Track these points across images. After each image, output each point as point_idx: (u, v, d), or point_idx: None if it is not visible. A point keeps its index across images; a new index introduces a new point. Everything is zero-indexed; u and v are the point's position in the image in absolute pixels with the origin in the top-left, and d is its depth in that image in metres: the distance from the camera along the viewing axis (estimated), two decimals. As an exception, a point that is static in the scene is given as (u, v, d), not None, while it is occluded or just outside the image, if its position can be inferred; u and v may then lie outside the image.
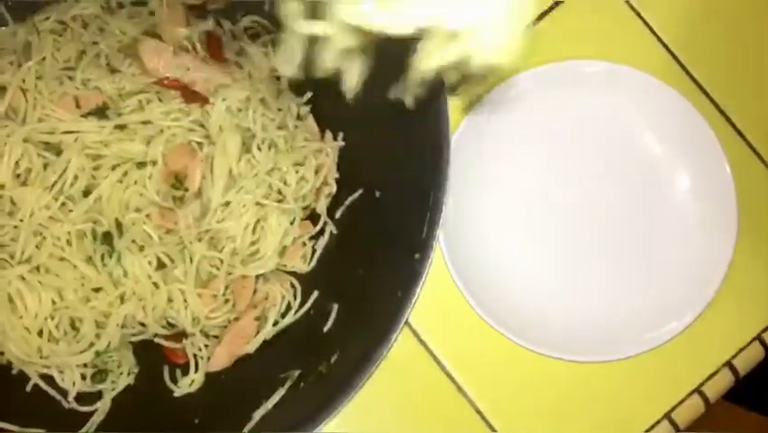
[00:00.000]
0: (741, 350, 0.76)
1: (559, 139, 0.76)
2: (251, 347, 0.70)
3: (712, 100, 0.78)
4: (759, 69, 0.80)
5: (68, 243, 0.66)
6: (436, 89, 0.64)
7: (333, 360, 0.66)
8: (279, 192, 0.69)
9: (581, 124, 0.76)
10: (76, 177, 0.66)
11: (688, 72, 0.79)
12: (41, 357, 0.66)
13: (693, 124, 0.74)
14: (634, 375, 0.74)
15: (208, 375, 0.70)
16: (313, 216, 0.73)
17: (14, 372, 0.68)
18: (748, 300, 0.77)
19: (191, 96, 0.68)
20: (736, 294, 0.75)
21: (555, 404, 0.74)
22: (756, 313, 0.77)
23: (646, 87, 0.74)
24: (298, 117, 0.73)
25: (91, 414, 0.68)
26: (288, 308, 0.72)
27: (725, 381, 0.76)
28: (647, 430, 0.74)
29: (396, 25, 0.48)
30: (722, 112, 0.78)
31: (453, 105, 0.68)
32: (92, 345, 0.67)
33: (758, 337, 0.77)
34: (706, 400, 0.75)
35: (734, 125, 0.78)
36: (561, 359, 0.71)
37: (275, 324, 0.71)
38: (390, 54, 0.67)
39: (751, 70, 0.79)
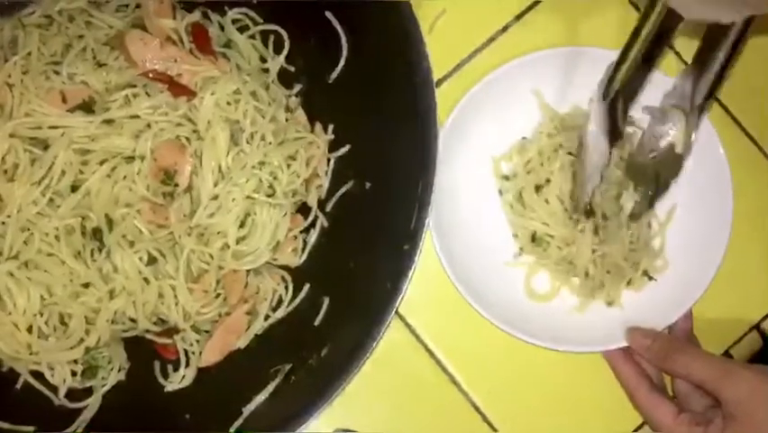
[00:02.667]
0: (739, 339, 0.76)
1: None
2: (242, 342, 0.70)
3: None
4: (756, 50, 0.79)
5: (57, 238, 0.65)
6: (425, 79, 0.64)
7: (323, 353, 0.66)
8: (270, 186, 0.69)
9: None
10: (63, 172, 0.65)
11: (681, 57, 0.78)
12: (30, 354, 0.66)
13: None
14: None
15: (199, 371, 0.70)
16: (303, 209, 0.73)
17: (4, 369, 0.68)
18: (746, 289, 0.76)
19: (178, 89, 0.68)
20: (733, 283, 0.74)
21: (550, 395, 0.74)
22: (754, 302, 0.76)
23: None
24: (288, 109, 0.73)
25: (82, 411, 0.68)
26: (280, 301, 0.71)
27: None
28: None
29: None
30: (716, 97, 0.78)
31: (443, 95, 0.69)
32: (82, 341, 0.66)
33: (756, 327, 0.76)
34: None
35: (726, 109, 0.77)
36: (555, 350, 0.71)
37: (266, 318, 0.71)
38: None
39: (747, 51, 0.78)
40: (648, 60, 0.64)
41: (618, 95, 0.64)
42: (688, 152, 0.68)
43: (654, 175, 0.69)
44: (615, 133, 0.67)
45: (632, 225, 0.72)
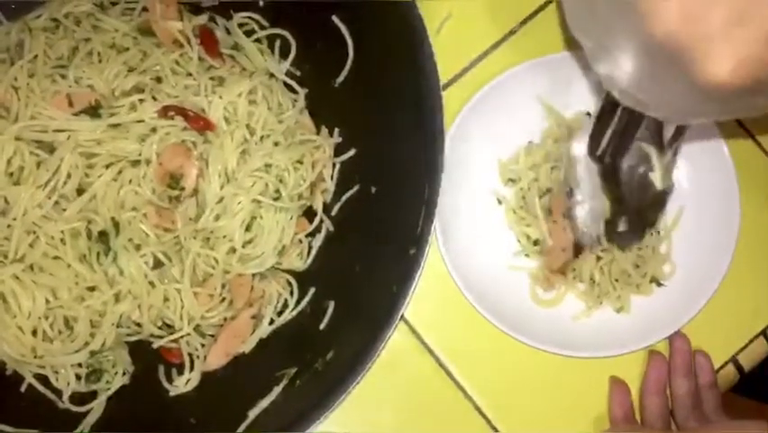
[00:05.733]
0: (746, 346, 0.75)
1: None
2: (247, 346, 0.70)
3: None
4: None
5: (62, 241, 0.65)
6: (432, 83, 0.64)
7: (328, 357, 0.66)
8: (277, 190, 0.69)
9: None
10: (69, 175, 0.65)
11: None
12: (35, 357, 0.66)
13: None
14: (635, 371, 0.73)
15: (204, 374, 0.69)
16: (309, 213, 0.73)
17: (8, 372, 0.68)
18: (753, 295, 0.75)
19: (198, 121, 0.68)
20: (740, 288, 0.74)
21: (555, 399, 0.73)
22: (761, 308, 0.76)
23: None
24: (294, 113, 0.73)
25: (86, 414, 0.68)
26: (285, 305, 0.71)
27: (729, 377, 0.75)
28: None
29: None
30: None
31: (449, 99, 0.69)
32: (87, 344, 0.66)
33: (763, 333, 0.75)
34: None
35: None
36: (559, 354, 0.71)
37: (271, 322, 0.71)
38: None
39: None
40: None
41: (605, 155, 0.65)
42: (669, 188, 0.68)
43: (637, 210, 0.69)
44: (615, 187, 0.67)
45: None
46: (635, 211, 0.69)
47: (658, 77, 0.49)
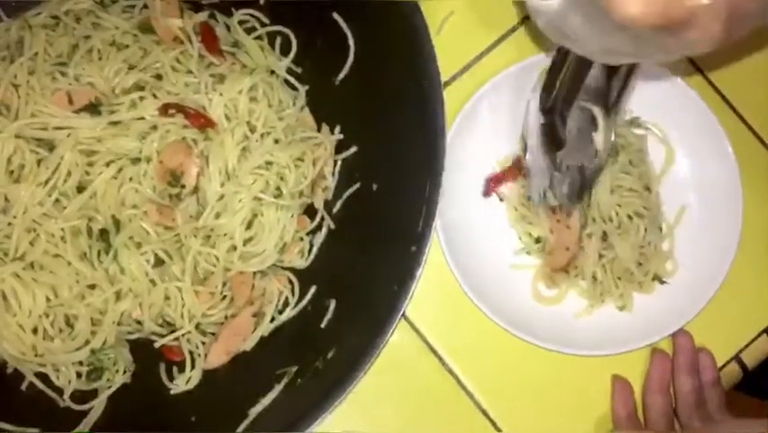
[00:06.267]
0: (750, 343, 0.75)
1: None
2: (248, 344, 0.70)
3: (714, 87, 0.77)
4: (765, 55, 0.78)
5: (63, 239, 0.65)
6: (433, 81, 0.64)
7: (329, 355, 0.66)
8: (278, 188, 0.69)
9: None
10: (69, 173, 0.65)
11: (691, 61, 0.78)
12: (35, 355, 0.66)
13: (695, 111, 0.72)
14: (638, 369, 0.73)
15: (205, 373, 0.69)
16: (310, 211, 0.72)
17: (9, 370, 0.68)
18: (757, 292, 0.75)
19: (199, 119, 0.68)
20: (743, 285, 0.74)
21: (554, 396, 0.73)
22: (764, 305, 0.75)
23: (647, 76, 0.73)
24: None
25: (87, 412, 0.67)
26: (286, 303, 0.71)
27: (733, 374, 0.75)
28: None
29: None
30: (724, 98, 0.77)
31: (450, 96, 0.68)
32: (87, 342, 0.66)
33: (766, 330, 0.75)
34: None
35: (733, 108, 0.77)
36: (560, 352, 0.70)
37: (272, 320, 0.71)
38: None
39: (756, 55, 0.78)
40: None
41: (555, 107, 0.66)
42: (607, 150, 0.69)
43: (578, 170, 0.70)
44: (557, 141, 0.68)
45: (640, 230, 0.72)
46: (577, 173, 0.70)
47: (580, 9, 0.52)
